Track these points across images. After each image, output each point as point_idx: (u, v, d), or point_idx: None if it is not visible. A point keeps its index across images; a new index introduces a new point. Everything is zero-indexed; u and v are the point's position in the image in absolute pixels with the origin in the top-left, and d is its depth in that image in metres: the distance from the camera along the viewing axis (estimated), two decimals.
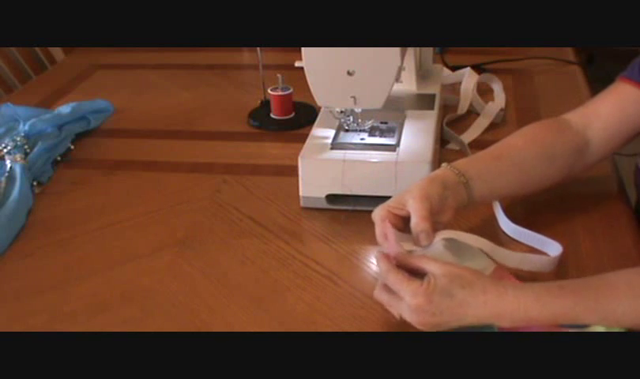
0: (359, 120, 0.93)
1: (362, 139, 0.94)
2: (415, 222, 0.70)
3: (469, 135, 1.09)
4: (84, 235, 0.91)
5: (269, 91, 1.19)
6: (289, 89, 1.18)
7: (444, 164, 0.79)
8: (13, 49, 1.58)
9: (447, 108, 1.16)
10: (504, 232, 0.84)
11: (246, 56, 1.56)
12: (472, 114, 1.16)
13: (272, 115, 1.20)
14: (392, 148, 0.91)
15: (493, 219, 0.86)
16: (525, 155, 0.82)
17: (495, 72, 1.28)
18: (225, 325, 0.74)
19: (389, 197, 0.75)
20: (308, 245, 0.87)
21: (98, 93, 1.34)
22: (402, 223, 0.73)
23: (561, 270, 0.77)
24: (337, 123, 0.97)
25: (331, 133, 0.95)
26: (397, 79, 0.86)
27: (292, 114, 1.19)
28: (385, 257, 0.68)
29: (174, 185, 1.02)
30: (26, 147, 1.08)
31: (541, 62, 1.36)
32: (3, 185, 1.00)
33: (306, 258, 0.84)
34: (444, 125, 1.09)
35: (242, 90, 1.36)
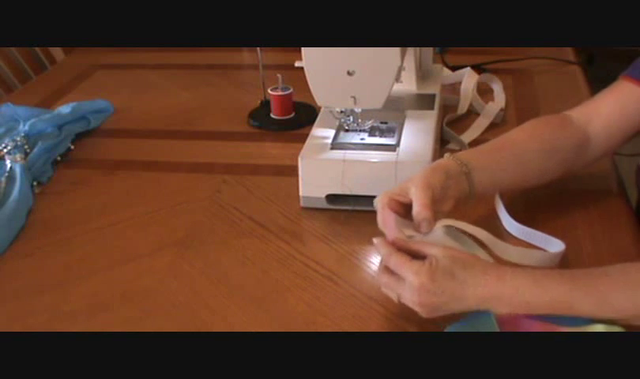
0: (359, 120, 0.93)
1: (362, 139, 0.94)
2: (417, 210, 0.71)
3: (469, 135, 1.09)
4: (84, 235, 0.91)
5: (269, 91, 1.19)
6: (289, 89, 1.18)
7: (447, 154, 0.79)
8: (13, 49, 1.58)
9: (447, 108, 1.16)
10: (507, 230, 0.85)
11: (246, 56, 1.56)
12: (472, 114, 1.16)
13: (272, 115, 1.20)
14: (392, 148, 0.91)
15: (495, 215, 0.86)
16: (526, 148, 0.83)
17: (495, 72, 1.28)
18: (225, 325, 0.74)
19: None
20: (308, 245, 0.87)
21: (98, 93, 1.34)
22: (404, 210, 0.73)
23: (561, 267, 0.77)
24: (337, 123, 0.97)
25: (331, 133, 0.95)
26: (397, 79, 0.86)
27: (292, 114, 1.19)
28: (386, 241, 0.70)
29: (174, 185, 1.02)
30: (26, 147, 1.08)
31: (541, 62, 1.36)
32: (3, 185, 1.00)
33: (306, 258, 0.84)
34: (444, 125, 1.09)
35: (242, 90, 1.36)
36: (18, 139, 1.08)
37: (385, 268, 0.69)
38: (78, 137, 1.18)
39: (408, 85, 1.08)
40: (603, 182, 0.95)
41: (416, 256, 0.68)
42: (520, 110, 1.17)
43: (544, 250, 0.80)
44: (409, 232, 0.72)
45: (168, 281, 0.82)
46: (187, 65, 1.52)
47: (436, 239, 0.73)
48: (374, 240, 0.70)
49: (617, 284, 0.64)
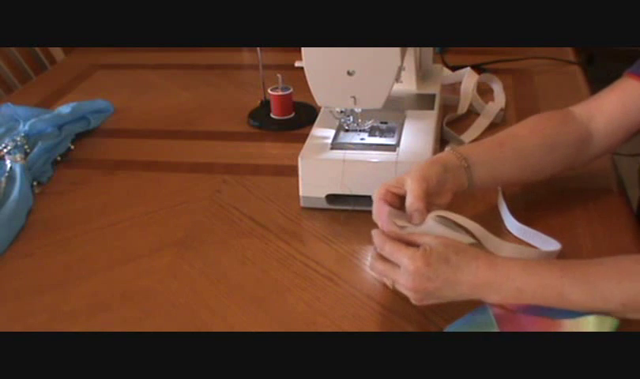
0: (359, 120, 0.93)
1: (362, 139, 0.94)
2: (409, 201, 0.72)
3: (469, 135, 1.09)
4: (84, 235, 0.91)
5: (269, 91, 1.19)
6: (289, 89, 1.18)
7: (448, 148, 0.79)
8: (13, 49, 1.58)
9: (447, 108, 1.16)
10: (506, 228, 0.85)
11: (246, 56, 1.56)
12: (472, 114, 1.16)
13: (272, 115, 1.20)
14: (392, 148, 0.91)
15: (495, 212, 0.86)
16: (527, 143, 0.83)
17: (495, 72, 1.28)
18: (225, 325, 0.74)
19: None
20: (308, 245, 0.87)
21: (98, 93, 1.34)
22: (400, 202, 0.74)
23: None
24: (337, 123, 0.97)
25: (331, 133, 0.95)
26: (397, 79, 0.86)
27: (292, 114, 1.19)
28: (380, 231, 0.71)
29: (174, 185, 1.02)
30: (26, 147, 1.08)
31: (541, 62, 1.36)
32: (3, 185, 1.00)
33: (306, 258, 0.84)
34: (444, 125, 1.09)
35: (242, 90, 1.36)
36: (18, 139, 1.08)
37: (379, 256, 0.70)
38: (78, 137, 1.18)
39: (408, 85, 1.08)
40: (603, 181, 0.95)
41: (409, 245, 0.68)
42: (520, 110, 1.17)
43: (538, 249, 0.80)
44: (402, 223, 0.72)
45: (168, 281, 0.82)
46: (187, 65, 1.52)
47: (428, 230, 0.73)
48: (372, 232, 0.71)
49: (608, 273, 0.65)
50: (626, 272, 0.64)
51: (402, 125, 0.97)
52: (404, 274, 0.67)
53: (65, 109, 1.20)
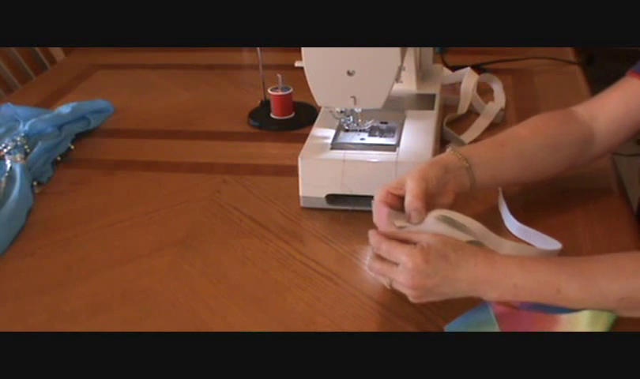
0: (359, 120, 0.93)
1: (362, 139, 0.94)
2: (408, 200, 0.72)
3: (469, 135, 1.09)
4: (85, 235, 0.91)
5: (269, 91, 1.19)
6: (289, 89, 1.18)
7: (448, 148, 0.79)
8: (13, 49, 1.58)
9: (447, 108, 1.16)
10: (506, 228, 0.85)
11: (246, 56, 1.56)
12: (472, 114, 1.16)
13: (272, 115, 1.20)
14: (392, 148, 0.91)
15: (496, 212, 0.86)
16: (528, 143, 0.83)
17: (495, 72, 1.28)
18: (225, 325, 0.74)
19: None
20: (308, 245, 0.87)
21: (98, 93, 1.34)
22: (400, 203, 0.74)
23: None
24: (337, 123, 0.97)
25: (331, 133, 0.95)
26: (397, 79, 0.86)
27: (292, 114, 1.19)
28: (376, 231, 0.71)
29: (174, 185, 1.02)
30: (26, 147, 1.08)
31: (541, 62, 1.36)
32: (3, 185, 1.00)
33: (306, 258, 0.84)
34: (444, 125, 1.09)
35: (242, 90, 1.36)
36: (18, 139, 1.09)
37: (377, 256, 0.70)
38: (78, 137, 1.18)
39: (408, 85, 1.08)
40: (603, 181, 0.95)
41: (407, 243, 0.68)
42: (520, 110, 1.17)
43: (538, 248, 0.80)
44: (401, 223, 0.72)
45: (168, 281, 0.82)
46: (187, 65, 1.52)
47: (427, 230, 0.73)
48: (369, 232, 0.71)
49: (605, 269, 0.65)
50: (624, 268, 0.64)
51: (402, 125, 0.97)
52: (403, 271, 0.67)
53: (65, 109, 1.20)
